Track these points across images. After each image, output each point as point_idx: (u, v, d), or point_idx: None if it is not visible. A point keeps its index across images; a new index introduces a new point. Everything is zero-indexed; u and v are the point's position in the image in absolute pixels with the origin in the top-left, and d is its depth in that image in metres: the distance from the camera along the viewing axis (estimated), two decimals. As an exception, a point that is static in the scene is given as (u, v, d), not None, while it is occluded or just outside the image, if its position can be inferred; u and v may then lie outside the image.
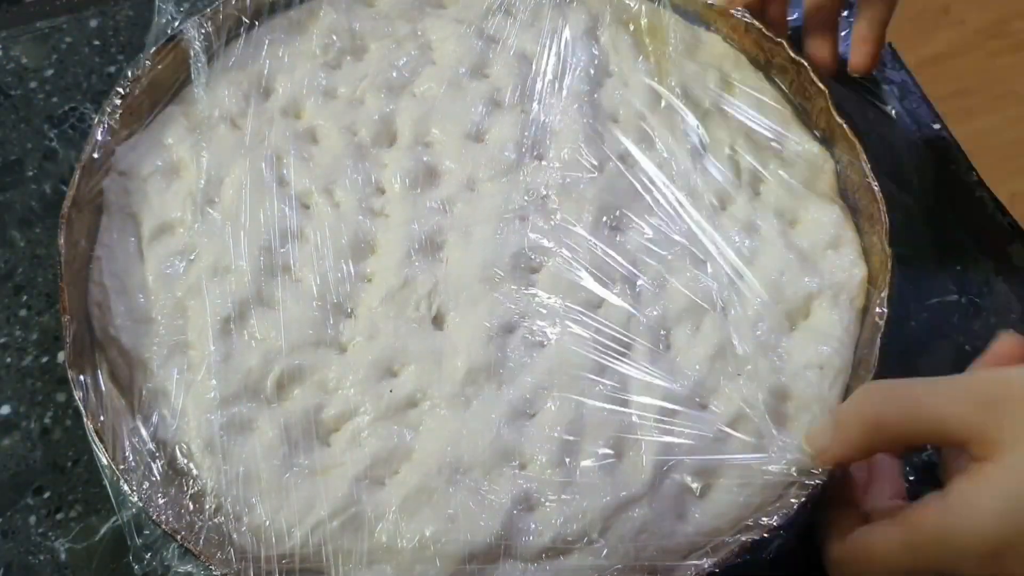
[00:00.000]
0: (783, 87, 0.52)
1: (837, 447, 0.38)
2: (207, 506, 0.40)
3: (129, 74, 0.48)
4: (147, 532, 0.40)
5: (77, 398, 0.40)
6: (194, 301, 0.44)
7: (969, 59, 1.20)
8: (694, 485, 0.41)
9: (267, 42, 0.51)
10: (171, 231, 0.46)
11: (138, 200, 0.47)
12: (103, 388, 0.42)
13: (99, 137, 0.46)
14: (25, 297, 0.50)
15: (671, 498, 0.41)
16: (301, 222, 0.46)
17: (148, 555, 0.40)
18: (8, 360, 0.48)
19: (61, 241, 0.43)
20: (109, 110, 0.47)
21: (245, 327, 0.44)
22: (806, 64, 0.50)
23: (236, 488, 0.40)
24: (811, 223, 0.48)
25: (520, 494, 0.40)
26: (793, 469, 0.40)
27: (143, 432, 0.41)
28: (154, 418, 0.42)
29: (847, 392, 0.44)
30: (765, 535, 0.39)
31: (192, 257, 0.45)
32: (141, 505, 0.39)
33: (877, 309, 0.44)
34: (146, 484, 0.39)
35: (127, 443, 0.40)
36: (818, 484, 0.39)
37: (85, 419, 0.40)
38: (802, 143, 0.50)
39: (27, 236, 0.52)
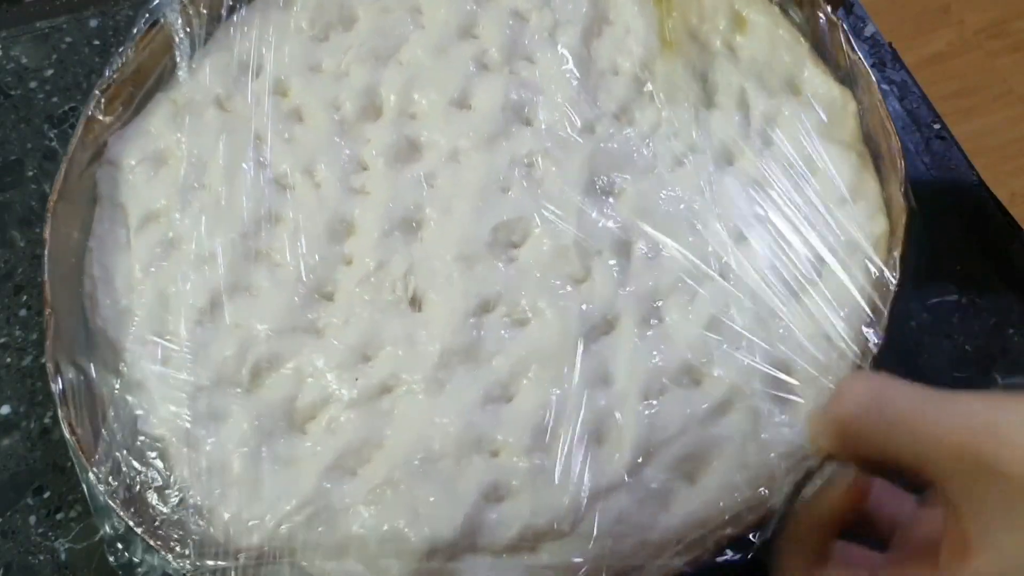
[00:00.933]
0: (798, 21, 0.47)
1: (823, 440, 0.31)
2: (173, 498, 0.39)
3: (116, 62, 0.47)
4: (117, 523, 0.39)
5: (54, 392, 0.40)
6: (174, 290, 0.43)
7: (969, 59, 1.20)
8: (681, 470, 0.38)
9: (254, 20, 0.49)
10: (156, 220, 0.45)
11: (125, 190, 0.46)
12: (84, 381, 0.41)
13: (82, 129, 0.46)
14: (25, 297, 0.50)
15: (654, 486, 0.37)
16: (281, 205, 0.45)
17: (120, 546, 0.39)
18: (8, 360, 0.48)
19: (46, 234, 0.43)
20: (93, 101, 0.47)
21: (223, 315, 0.42)
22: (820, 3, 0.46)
23: (206, 480, 0.39)
24: (826, 174, 0.44)
25: (490, 484, 0.38)
26: (794, 452, 0.36)
27: (118, 423, 0.40)
28: (129, 409, 0.41)
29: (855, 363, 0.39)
30: (752, 531, 0.35)
31: (174, 245, 0.44)
32: (106, 497, 0.38)
33: (887, 271, 0.40)
34: (113, 475, 0.39)
35: (101, 434, 0.40)
36: (817, 473, 0.34)
37: (59, 412, 0.40)
38: (821, 84, 0.46)
39: (27, 236, 0.52)
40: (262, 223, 0.44)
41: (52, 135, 0.55)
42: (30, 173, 0.54)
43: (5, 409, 0.47)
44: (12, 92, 0.56)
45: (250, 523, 0.38)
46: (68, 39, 0.58)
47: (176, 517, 0.38)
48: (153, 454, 0.40)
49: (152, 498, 0.39)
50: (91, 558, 0.43)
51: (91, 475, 0.39)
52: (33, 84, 0.56)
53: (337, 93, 0.48)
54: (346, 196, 0.45)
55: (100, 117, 0.47)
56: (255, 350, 0.42)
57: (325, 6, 0.50)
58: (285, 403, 0.41)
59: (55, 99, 0.56)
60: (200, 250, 0.44)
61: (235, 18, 0.50)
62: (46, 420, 0.47)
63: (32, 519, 0.44)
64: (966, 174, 0.56)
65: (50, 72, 0.57)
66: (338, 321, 0.42)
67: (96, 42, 0.58)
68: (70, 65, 0.57)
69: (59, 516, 0.44)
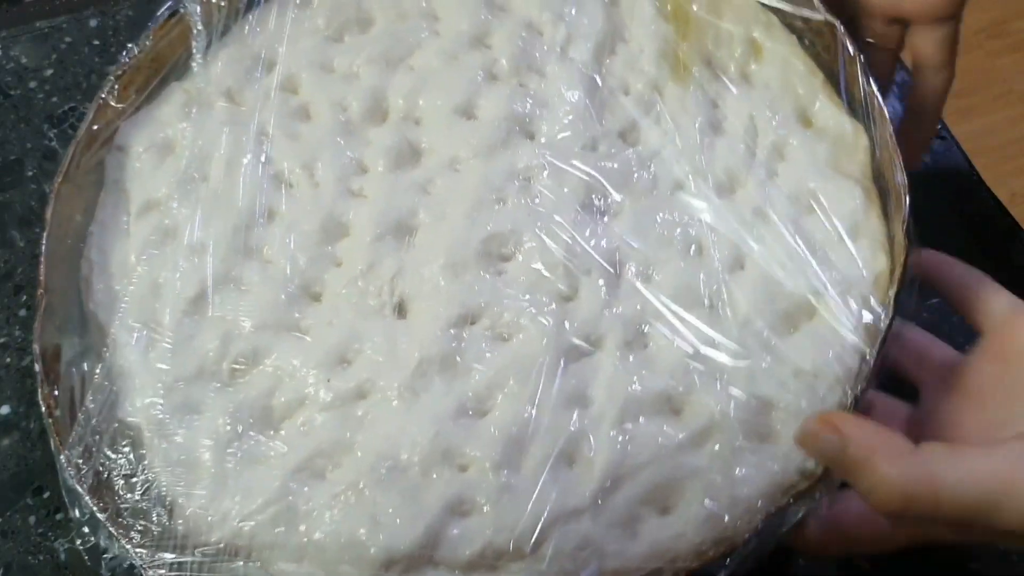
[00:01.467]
0: (819, 50, 0.47)
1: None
2: (139, 487, 0.39)
3: (133, 49, 0.47)
4: (86, 509, 0.39)
5: (37, 372, 0.40)
6: (165, 279, 0.43)
7: (969, 59, 1.20)
8: (651, 499, 0.38)
9: (271, 16, 0.49)
10: (156, 208, 0.45)
11: (131, 176, 0.46)
12: (69, 364, 0.41)
13: (94, 112, 0.46)
14: (25, 297, 0.50)
15: (622, 512, 0.37)
16: (279, 201, 0.45)
17: (87, 531, 0.39)
18: (8, 360, 0.48)
19: (48, 215, 0.43)
20: (107, 87, 0.47)
21: (211, 307, 0.42)
22: (840, 26, 0.45)
23: (174, 471, 0.39)
24: (829, 209, 0.43)
25: (455, 497, 0.37)
26: (768, 489, 0.36)
27: (95, 408, 0.40)
28: (108, 395, 0.41)
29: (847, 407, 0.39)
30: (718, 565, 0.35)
31: (171, 235, 0.45)
32: (73, 481, 0.38)
33: (880, 311, 0.39)
34: (84, 460, 0.39)
35: (78, 418, 0.40)
36: (796, 512, 0.36)
37: (40, 392, 0.40)
38: (833, 117, 0.45)
39: (27, 236, 0.52)
40: (257, 218, 0.44)
41: (52, 135, 0.55)
42: (30, 173, 0.54)
43: (5, 409, 0.47)
44: (12, 92, 0.56)
45: (211, 518, 0.38)
46: (68, 39, 0.58)
47: (140, 506, 0.38)
48: (125, 442, 0.40)
49: (118, 485, 0.39)
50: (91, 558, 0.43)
51: (61, 457, 0.39)
52: (33, 84, 0.56)
53: (345, 94, 0.47)
54: (343, 197, 0.45)
55: (112, 102, 0.47)
56: (237, 345, 0.41)
57: (342, 7, 0.50)
58: (262, 400, 0.41)
59: (55, 99, 0.56)
60: (193, 240, 0.44)
61: (253, 13, 0.49)
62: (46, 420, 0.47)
63: (32, 519, 0.45)
64: (966, 174, 0.56)
65: (50, 72, 0.57)
66: (322, 322, 0.42)
67: (96, 42, 0.58)
68: (70, 65, 0.57)
69: (59, 516, 0.45)
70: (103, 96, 0.46)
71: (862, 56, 0.44)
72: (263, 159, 0.46)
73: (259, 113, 0.47)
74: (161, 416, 0.40)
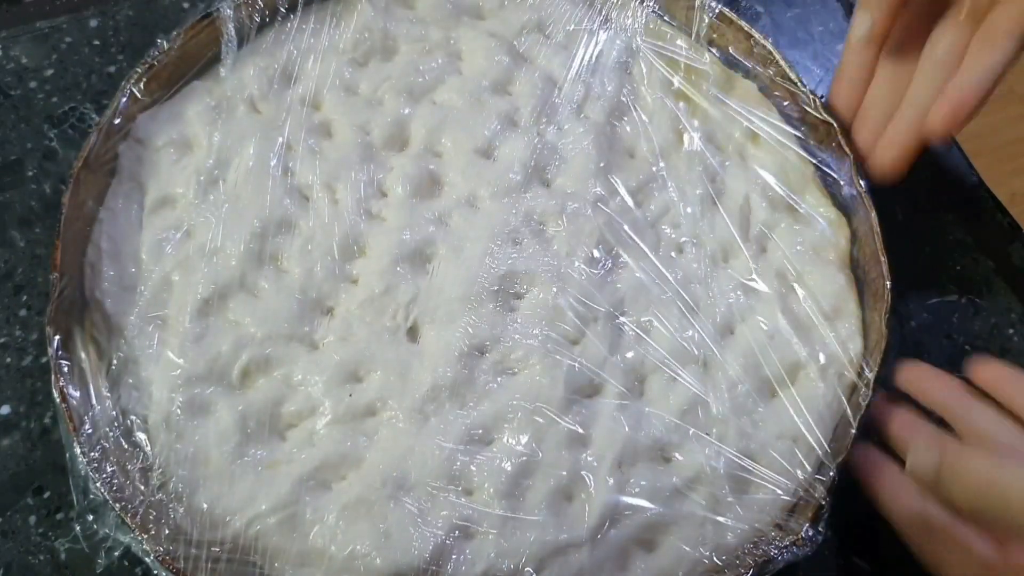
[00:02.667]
0: (812, 143, 0.50)
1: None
2: (152, 482, 0.40)
3: (162, 44, 0.48)
4: (92, 496, 0.40)
5: (50, 356, 0.41)
6: (180, 277, 0.44)
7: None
8: (641, 538, 0.41)
9: (300, 31, 0.50)
10: (172, 205, 0.46)
11: (148, 169, 0.47)
12: (80, 350, 0.42)
13: (122, 102, 0.47)
14: (25, 297, 0.50)
15: (614, 548, 0.40)
16: (298, 214, 0.46)
17: (91, 518, 0.40)
18: (8, 360, 0.48)
19: (65, 199, 0.44)
20: (135, 77, 0.47)
21: (223, 310, 0.44)
22: (836, 126, 0.48)
23: (184, 468, 0.40)
24: (813, 290, 0.46)
25: (459, 521, 0.40)
26: (751, 538, 0.40)
27: (107, 398, 0.41)
28: (121, 386, 0.42)
29: (817, 469, 0.42)
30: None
31: (186, 233, 0.45)
32: (87, 469, 0.39)
33: (863, 390, 0.43)
34: (98, 449, 0.40)
35: (92, 406, 0.41)
36: (771, 558, 0.39)
37: (53, 377, 0.40)
38: (818, 207, 0.49)
39: (27, 236, 0.52)
40: (277, 228, 0.45)
41: (52, 135, 0.55)
42: (30, 173, 0.54)
43: (5, 409, 0.47)
44: (12, 92, 0.56)
45: (219, 517, 0.40)
46: (68, 39, 0.58)
47: (155, 499, 0.40)
48: (141, 435, 0.41)
49: (135, 478, 0.40)
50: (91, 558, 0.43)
51: (76, 446, 0.40)
52: (33, 84, 0.56)
53: (369, 118, 0.49)
54: (362, 218, 0.46)
55: (138, 95, 0.47)
56: (249, 350, 0.43)
57: (370, 33, 0.51)
58: (270, 407, 0.42)
59: (55, 99, 0.56)
60: (211, 243, 0.45)
61: (286, 25, 0.51)
62: (46, 420, 0.47)
63: (32, 519, 0.45)
64: (966, 174, 0.56)
65: (50, 72, 0.57)
66: (334, 337, 0.44)
67: (96, 42, 0.58)
68: (70, 65, 0.57)
69: (59, 516, 0.45)
70: (130, 87, 0.47)
71: (855, 156, 0.48)
72: (286, 170, 0.47)
73: (283, 124, 0.48)
74: (172, 413, 0.41)
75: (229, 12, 0.49)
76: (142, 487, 0.40)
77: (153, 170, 0.47)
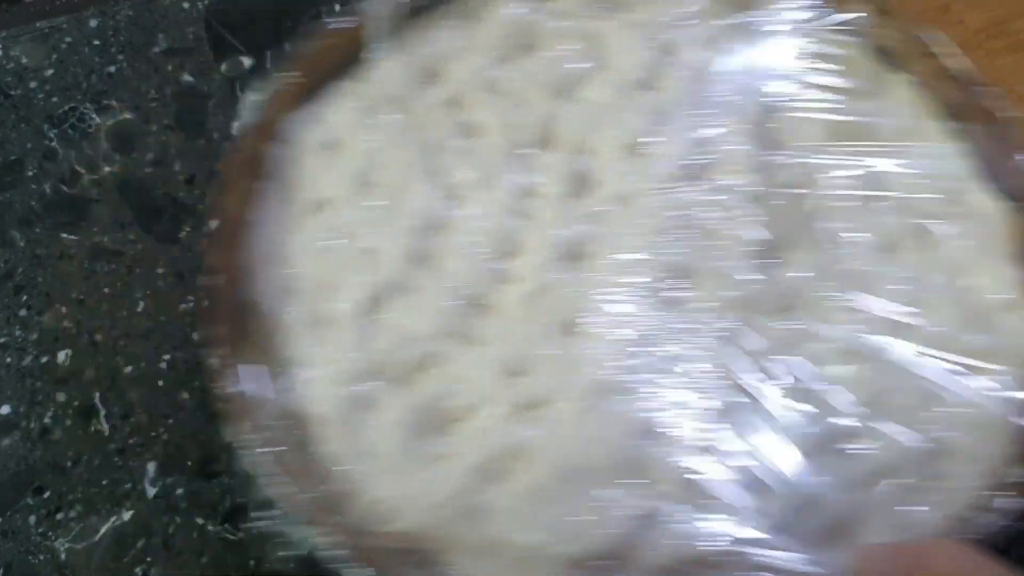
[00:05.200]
0: (972, 136, 0.48)
1: None
2: (323, 476, 0.40)
3: (307, 44, 0.48)
4: (262, 494, 0.40)
5: (209, 361, 0.41)
6: (337, 278, 0.44)
7: (969, 59, 1.20)
8: (828, 531, 0.40)
9: (442, 28, 0.50)
10: (325, 206, 0.46)
11: (296, 171, 0.47)
12: (241, 352, 0.42)
13: (265, 103, 0.47)
14: (25, 297, 0.50)
15: (800, 541, 0.39)
16: (451, 214, 0.46)
17: (261, 514, 0.41)
18: (8, 360, 0.48)
19: (218, 203, 0.44)
20: (280, 79, 0.47)
21: (383, 309, 0.44)
22: (999, 118, 0.47)
23: (354, 463, 0.41)
24: (984, 284, 0.45)
25: (640, 510, 0.39)
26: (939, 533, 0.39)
27: (271, 397, 0.42)
28: (284, 385, 0.42)
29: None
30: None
31: (340, 234, 0.45)
32: (257, 464, 0.39)
33: None
34: (268, 446, 0.40)
35: (257, 404, 0.41)
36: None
37: (211, 377, 0.41)
38: (981, 199, 0.47)
39: (27, 236, 0.52)
40: (430, 228, 0.45)
41: (52, 135, 0.55)
42: (30, 173, 0.54)
43: (5, 409, 0.47)
44: (12, 92, 0.56)
45: (398, 509, 0.40)
46: (68, 39, 0.58)
47: (327, 493, 0.40)
48: (308, 431, 0.41)
49: (307, 473, 0.40)
50: (91, 558, 0.43)
51: (248, 440, 0.40)
52: (33, 84, 0.56)
53: (515, 116, 0.48)
54: (514, 216, 0.46)
55: (284, 96, 0.47)
56: (410, 347, 0.43)
57: (514, 28, 0.50)
58: (435, 401, 0.42)
59: (55, 99, 0.56)
60: (365, 244, 0.45)
61: (429, 23, 0.50)
62: (46, 420, 0.47)
63: (32, 519, 0.45)
64: (966, 174, 0.55)
65: (50, 72, 0.57)
66: (494, 334, 0.43)
67: (96, 42, 0.58)
68: (70, 65, 0.57)
69: (59, 516, 0.45)
70: (275, 89, 0.47)
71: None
72: (435, 170, 0.47)
73: (429, 124, 0.48)
74: (339, 409, 0.42)
75: (374, 10, 0.48)
76: (314, 482, 0.40)
77: (302, 172, 0.47)
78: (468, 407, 0.42)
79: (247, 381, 0.42)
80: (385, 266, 0.44)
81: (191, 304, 0.50)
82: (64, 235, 0.52)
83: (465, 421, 0.42)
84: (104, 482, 0.46)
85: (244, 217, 0.46)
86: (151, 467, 0.47)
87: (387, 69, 0.49)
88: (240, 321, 0.44)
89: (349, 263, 0.45)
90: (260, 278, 0.44)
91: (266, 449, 0.40)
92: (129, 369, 0.49)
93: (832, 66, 0.50)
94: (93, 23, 0.58)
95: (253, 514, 0.40)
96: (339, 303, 0.44)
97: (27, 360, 0.48)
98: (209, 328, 0.42)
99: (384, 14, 0.49)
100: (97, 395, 0.48)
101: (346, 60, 0.49)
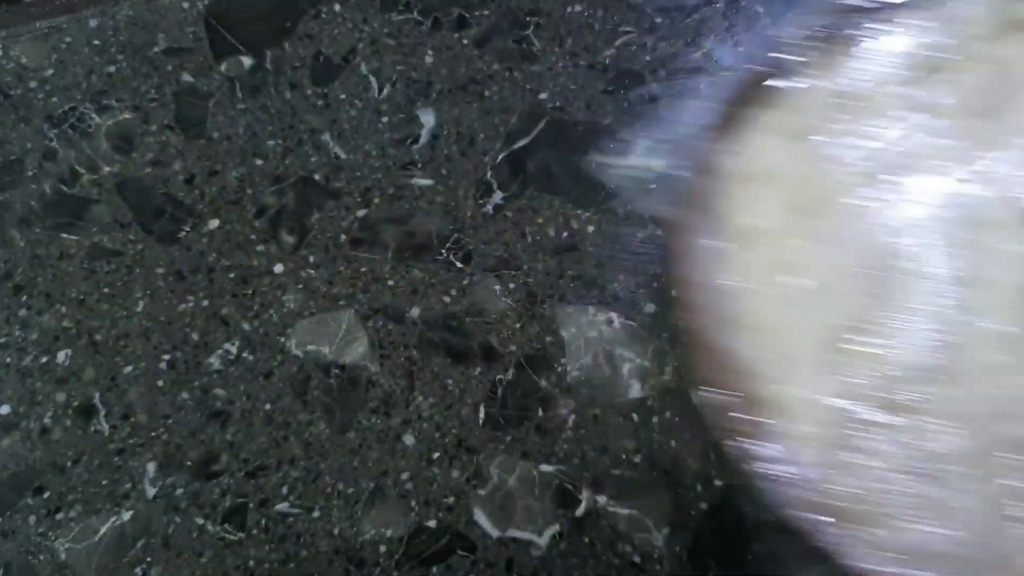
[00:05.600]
0: None
1: None
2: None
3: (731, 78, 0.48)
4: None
5: (715, 398, 0.42)
6: (797, 314, 0.44)
7: (969, 59, 1.20)
8: None
9: (856, 58, 0.50)
10: (762, 239, 0.46)
11: (725, 202, 0.46)
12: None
13: (719, 138, 0.47)
14: (25, 297, 0.50)
15: None
16: (908, 249, 0.45)
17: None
18: (8, 360, 0.48)
19: (664, 239, 0.45)
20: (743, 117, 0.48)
21: (847, 347, 0.43)
22: None
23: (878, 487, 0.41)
24: None
25: None
26: None
27: (765, 435, 0.42)
28: (773, 420, 0.42)
29: None
30: None
31: (787, 269, 0.45)
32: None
33: None
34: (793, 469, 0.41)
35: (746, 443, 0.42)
36: None
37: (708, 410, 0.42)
38: None
39: (27, 236, 0.52)
40: (885, 263, 0.44)
41: (52, 135, 0.55)
42: (30, 173, 0.54)
43: (5, 409, 0.47)
44: (12, 92, 0.56)
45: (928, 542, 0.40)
46: (68, 39, 0.58)
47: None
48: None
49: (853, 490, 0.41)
50: (91, 558, 0.43)
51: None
52: (33, 84, 0.56)
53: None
54: (974, 251, 0.45)
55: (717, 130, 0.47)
56: (884, 385, 0.43)
57: (927, 50, 0.50)
58: (917, 439, 0.42)
59: (55, 99, 0.56)
60: (823, 280, 0.44)
61: (843, 52, 0.50)
62: (46, 420, 0.47)
63: (32, 519, 0.44)
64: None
65: (50, 72, 0.57)
66: (978, 375, 0.42)
67: (96, 42, 0.58)
68: (70, 65, 0.57)
69: (59, 516, 0.44)
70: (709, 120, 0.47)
71: None
72: (877, 202, 0.46)
73: (856, 154, 0.47)
74: (830, 435, 0.42)
75: (799, 40, 0.49)
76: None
77: (730, 203, 0.46)
78: (952, 451, 0.42)
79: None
80: (848, 304, 0.44)
81: (191, 304, 0.50)
82: (64, 235, 0.52)
83: (957, 460, 0.41)
84: (104, 482, 0.46)
85: (675, 250, 0.45)
86: (151, 467, 0.47)
87: (808, 99, 0.48)
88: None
89: (807, 300, 0.44)
90: (703, 311, 0.44)
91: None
92: (129, 369, 0.49)
93: None
94: (93, 23, 0.58)
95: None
96: (802, 340, 0.43)
97: (27, 360, 0.48)
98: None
99: (808, 49, 0.48)
100: (97, 395, 0.48)
101: (763, 89, 0.49)
